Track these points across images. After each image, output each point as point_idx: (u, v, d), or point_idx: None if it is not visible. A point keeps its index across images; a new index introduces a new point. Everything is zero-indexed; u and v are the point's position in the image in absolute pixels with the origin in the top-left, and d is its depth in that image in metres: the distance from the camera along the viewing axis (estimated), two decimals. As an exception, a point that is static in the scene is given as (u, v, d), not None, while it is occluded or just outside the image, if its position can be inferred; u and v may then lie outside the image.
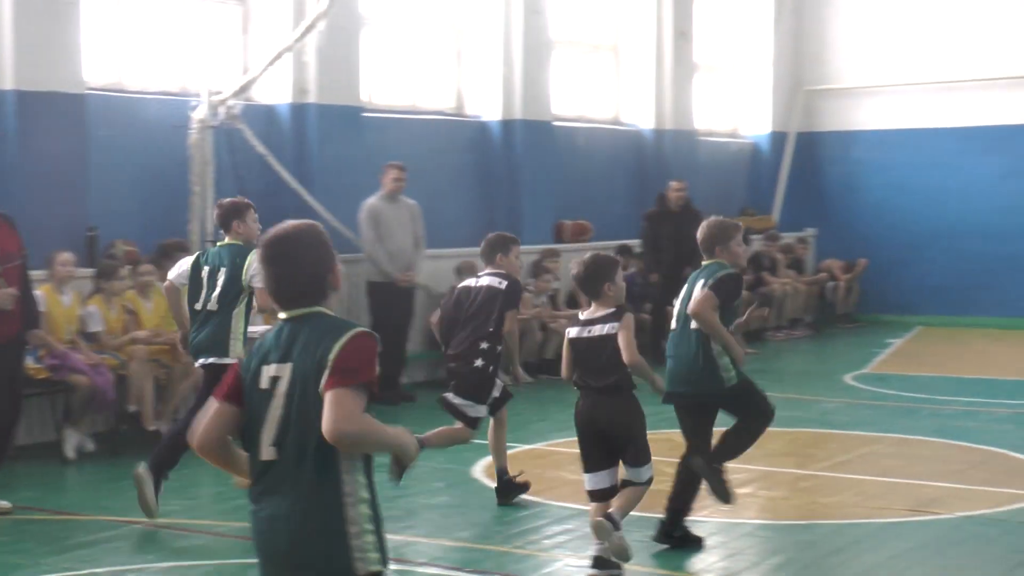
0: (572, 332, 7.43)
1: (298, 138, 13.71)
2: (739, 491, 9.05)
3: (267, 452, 4.15)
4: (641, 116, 18.26)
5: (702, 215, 10.83)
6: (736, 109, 20.80)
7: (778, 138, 20.79)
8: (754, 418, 7.79)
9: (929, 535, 8.25)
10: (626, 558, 7.12)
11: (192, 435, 4.25)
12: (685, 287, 7.88)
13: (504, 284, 8.82)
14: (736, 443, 7.87)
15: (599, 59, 18.10)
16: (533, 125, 16.11)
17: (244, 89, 12.70)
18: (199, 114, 12.41)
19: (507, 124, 15.95)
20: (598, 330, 7.32)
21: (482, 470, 9.89)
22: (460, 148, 15.78)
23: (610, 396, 7.27)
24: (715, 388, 7.64)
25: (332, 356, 4.07)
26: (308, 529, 4.10)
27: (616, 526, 7.10)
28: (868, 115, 20.65)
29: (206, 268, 8.76)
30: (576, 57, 17.65)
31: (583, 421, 7.41)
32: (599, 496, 7.34)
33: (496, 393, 8.93)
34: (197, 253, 9.17)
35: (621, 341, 7.22)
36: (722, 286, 7.65)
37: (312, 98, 13.67)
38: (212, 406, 4.24)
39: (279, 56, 12.58)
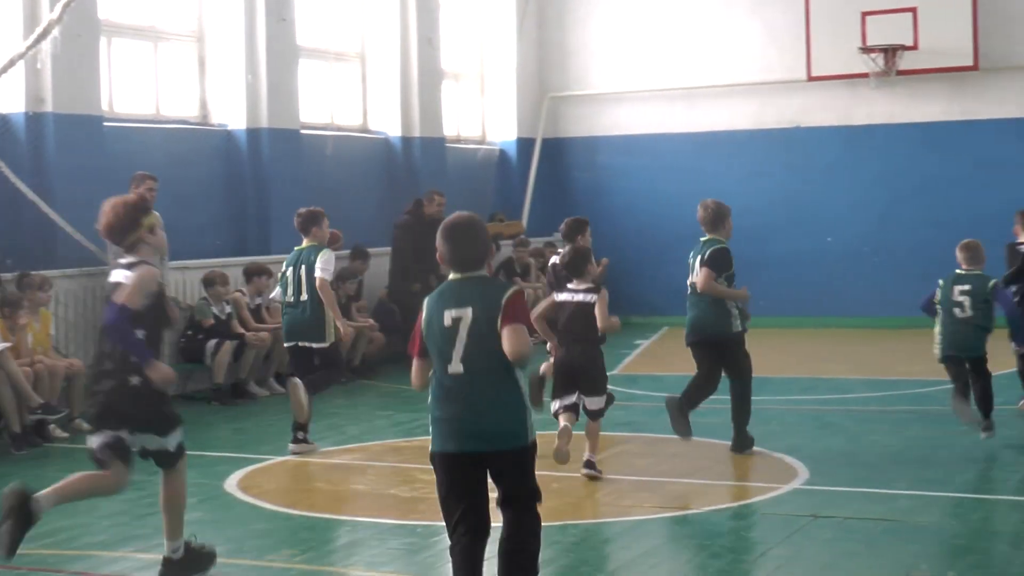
0: (562, 296, 9.71)
1: (35, 148, 13.24)
2: (492, 495, 9.14)
3: (455, 368, 5.90)
4: (389, 123, 18.28)
5: None
6: (484, 116, 21.03)
7: (525, 144, 21.10)
8: (739, 376, 10.40)
9: (680, 531, 8.48)
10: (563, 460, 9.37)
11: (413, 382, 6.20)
12: (690, 258, 10.54)
13: None
14: (738, 408, 10.39)
15: (346, 66, 18.04)
16: (280, 133, 15.95)
17: (-25, 98, 12.21)
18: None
19: (253, 132, 15.75)
20: (581, 297, 9.62)
21: (235, 484, 9.74)
22: (206, 157, 15.51)
23: (584, 345, 9.55)
24: (724, 332, 10.33)
25: (504, 302, 5.85)
26: (499, 414, 5.90)
27: (594, 467, 9.59)
28: (612, 121, 21.16)
29: (290, 269, 10.76)
30: (323, 64, 17.56)
31: (563, 363, 9.69)
32: (569, 408, 9.64)
33: None
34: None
35: (597, 311, 9.51)
36: (714, 260, 10.32)
37: (48, 107, 13.24)
38: (413, 367, 6.16)
39: (12, 64, 12.12)
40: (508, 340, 5.80)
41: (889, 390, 13.61)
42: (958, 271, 10.84)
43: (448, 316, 5.95)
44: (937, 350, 10.80)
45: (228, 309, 14.07)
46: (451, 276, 6.05)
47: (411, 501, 9.02)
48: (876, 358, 16.16)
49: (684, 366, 12.43)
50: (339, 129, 17.71)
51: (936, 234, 18.53)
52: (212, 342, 13.79)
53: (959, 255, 10.88)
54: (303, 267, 10.79)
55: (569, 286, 9.79)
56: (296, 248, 11.11)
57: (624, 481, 9.67)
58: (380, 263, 16.74)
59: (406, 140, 18.28)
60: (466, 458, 5.94)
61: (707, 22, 20.46)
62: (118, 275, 7.05)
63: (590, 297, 9.63)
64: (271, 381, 14.40)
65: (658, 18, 20.76)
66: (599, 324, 9.55)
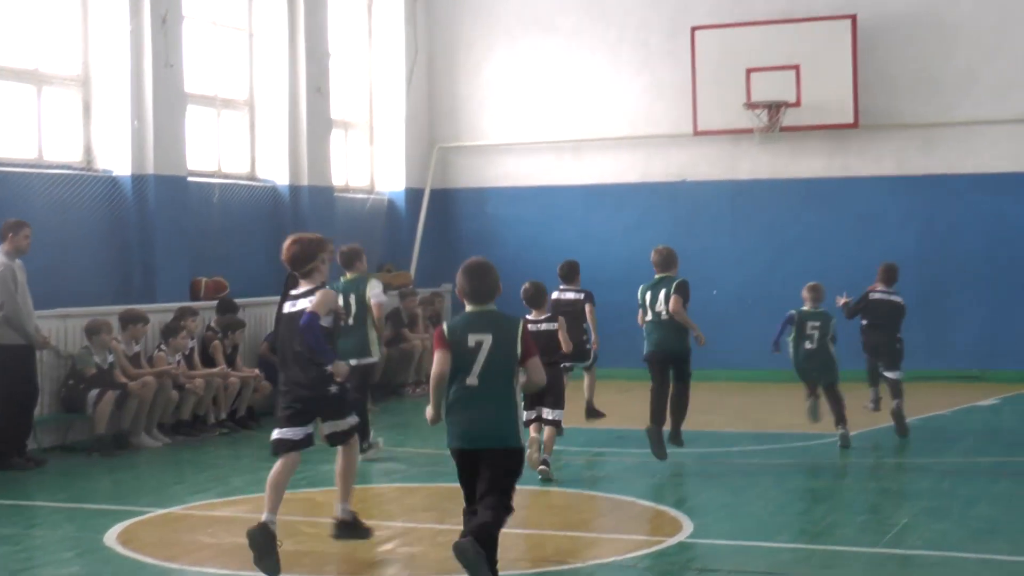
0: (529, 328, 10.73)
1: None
2: (379, 549, 9.11)
3: (472, 381, 7.42)
4: (277, 172, 18.19)
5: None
6: (373, 165, 21.03)
7: (414, 194, 21.12)
8: (685, 383, 12.34)
9: (562, 584, 8.49)
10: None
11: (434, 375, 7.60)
12: (650, 293, 12.50)
13: None
14: (681, 407, 12.31)
15: (234, 114, 17.95)
16: (166, 180, 15.81)
17: None
18: None
19: (139, 179, 15.58)
20: (544, 326, 11.62)
21: (115, 537, 9.57)
22: (90, 203, 15.27)
23: (549, 367, 9.67)
24: (681, 350, 12.37)
25: (519, 335, 7.44)
26: (501, 421, 7.45)
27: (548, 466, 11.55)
28: (500, 172, 21.28)
29: (340, 297, 11.61)
30: (210, 111, 17.45)
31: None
32: (533, 420, 11.56)
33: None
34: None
35: (561, 336, 11.57)
36: (682, 289, 12.46)
37: (-73, 152, 13.00)
38: (439, 356, 7.52)
39: None
40: (534, 371, 7.51)
41: (772, 443, 13.78)
42: (804, 309, 13.69)
43: (472, 339, 7.44)
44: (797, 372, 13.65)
45: (111, 358, 13.86)
46: (468, 308, 7.60)
47: (295, 555, 8.92)
48: (759, 410, 16.36)
49: (568, 417, 12.48)
50: (226, 177, 17.59)
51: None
52: (94, 392, 13.55)
53: (806, 295, 13.76)
54: (352, 296, 12.59)
55: (529, 317, 11.63)
56: (342, 279, 12.92)
57: (506, 535, 9.65)
58: (267, 313, 16.59)
59: (294, 188, 18.20)
60: (473, 454, 7.51)
61: (596, 76, 20.70)
62: (302, 303, 8.67)
63: (552, 325, 11.68)
64: (155, 431, 14.19)
65: (547, 71, 20.96)
66: (563, 348, 11.58)
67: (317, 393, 8.65)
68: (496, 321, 7.52)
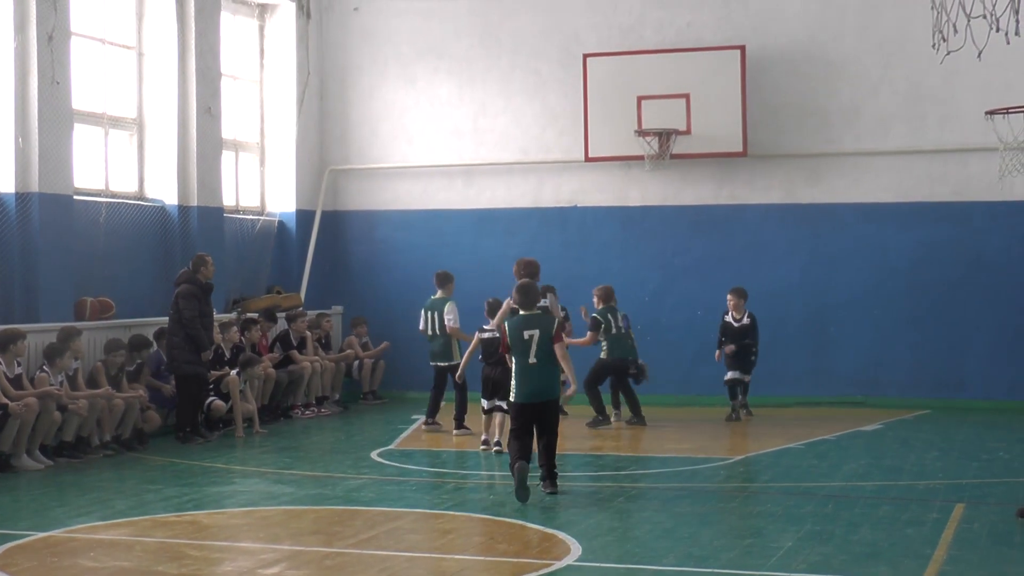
0: (485, 335, 14.66)
1: None
2: (265, 572, 9.00)
3: (532, 360, 11.77)
4: (166, 191, 17.96)
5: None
6: (263, 186, 20.86)
7: (304, 216, 20.99)
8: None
9: (452, 607, 8.45)
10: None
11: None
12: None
13: None
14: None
15: (122, 132, 17.71)
16: (51, 198, 15.53)
17: None
18: None
19: (23, 197, 15.29)
20: (489, 335, 14.54)
21: (-7, 562, 9.35)
22: (-29, 221, 14.98)
23: (502, 366, 13.81)
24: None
25: (553, 330, 11.89)
26: (552, 384, 11.94)
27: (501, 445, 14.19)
28: (391, 195, 21.23)
29: (430, 312, 16.46)
30: (98, 130, 17.20)
31: (487, 376, 14.55)
32: (492, 410, 14.68)
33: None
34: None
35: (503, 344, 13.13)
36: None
37: None
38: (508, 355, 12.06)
39: None
40: (559, 351, 11.89)
41: (659, 467, 13.87)
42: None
43: (526, 334, 11.86)
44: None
45: (-9, 379, 13.55)
46: (521, 312, 12.15)
47: (179, 579, 8.79)
48: (646, 436, 16.46)
49: (461, 442, 12.44)
50: (114, 196, 17.33)
51: (705, 314, 19.10)
52: (-27, 413, 13.24)
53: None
54: (435, 313, 16.40)
55: (485, 327, 14.82)
56: (432, 297, 16.61)
57: (397, 558, 9.62)
58: (148, 332, 16.37)
59: (183, 209, 17.99)
60: (535, 406, 11.83)
61: (487, 101, 20.74)
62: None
63: (495, 334, 14.40)
64: (37, 453, 13.90)
65: (440, 96, 20.97)
66: (503, 349, 13.18)
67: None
68: (539, 320, 12.08)
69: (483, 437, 14.89)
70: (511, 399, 12.03)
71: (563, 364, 12.02)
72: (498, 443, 14.54)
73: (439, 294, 16.60)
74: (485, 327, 14.85)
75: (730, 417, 17.27)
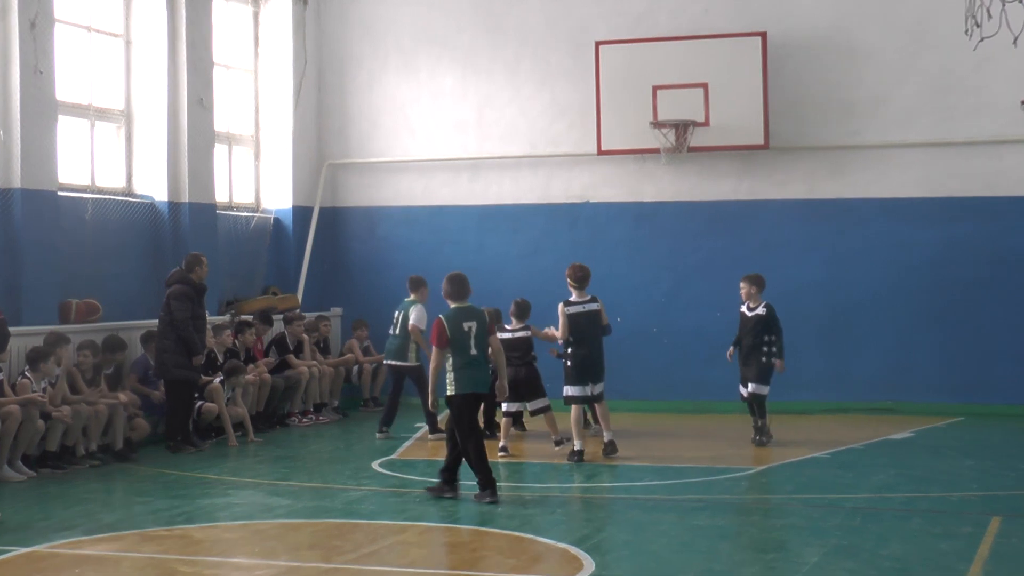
0: (505, 336, 15.13)
1: None
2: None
3: (473, 352, 12.19)
4: (155, 187, 17.87)
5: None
6: (258, 182, 20.78)
7: (301, 213, 20.90)
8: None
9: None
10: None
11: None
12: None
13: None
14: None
15: (109, 125, 17.62)
16: (34, 195, 15.44)
17: None
18: None
19: (4, 193, 15.22)
20: (520, 334, 15.63)
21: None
22: (-49, 219, 14.90)
23: (527, 365, 15.51)
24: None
25: (488, 321, 12.37)
26: (488, 379, 12.67)
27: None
28: (393, 191, 21.14)
29: (399, 312, 16.86)
30: (84, 122, 17.11)
31: (512, 380, 14.72)
32: (513, 414, 15.71)
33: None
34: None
35: (550, 331, 15.24)
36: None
37: None
38: (436, 351, 12.21)
39: None
40: (495, 343, 12.50)
41: (675, 478, 13.76)
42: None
43: (466, 325, 12.22)
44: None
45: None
46: (455, 305, 12.41)
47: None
48: (663, 444, 16.35)
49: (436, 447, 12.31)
50: (100, 192, 17.25)
51: (720, 315, 18.98)
52: (-48, 421, 13.14)
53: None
54: (403, 313, 16.80)
55: (508, 327, 15.71)
56: (405, 300, 16.97)
57: (401, 574, 9.52)
58: (135, 336, 16.29)
59: (173, 205, 17.90)
60: (479, 397, 12.42)
61: (493, 92, 20.65)
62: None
63: (525, 333, 15.68)
64: (19, 464, 13.81)
65: (443, 88, 20.88)
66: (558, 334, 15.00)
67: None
68: (475, 313, 12.41)
69: (501, 443, 15.23)
70: (451, 393, 12.23)
71: (496, 359, 12.66)
72: (502, 449, 14.99)
73: (411, 297, 16.89)
74: (507, 326, 15.63)
75: (753, 439, 15.99)
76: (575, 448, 14.63)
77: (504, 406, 15.31)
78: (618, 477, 13.89)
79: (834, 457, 14.95)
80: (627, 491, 13.06)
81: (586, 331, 14.90)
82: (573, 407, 14.86)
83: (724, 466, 14.27)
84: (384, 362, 17.59)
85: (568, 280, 15.14)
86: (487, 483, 12.18)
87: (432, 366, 12.37)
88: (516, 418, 16.19)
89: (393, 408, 16.94)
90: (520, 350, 15.47)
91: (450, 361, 12.26)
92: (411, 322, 16.60)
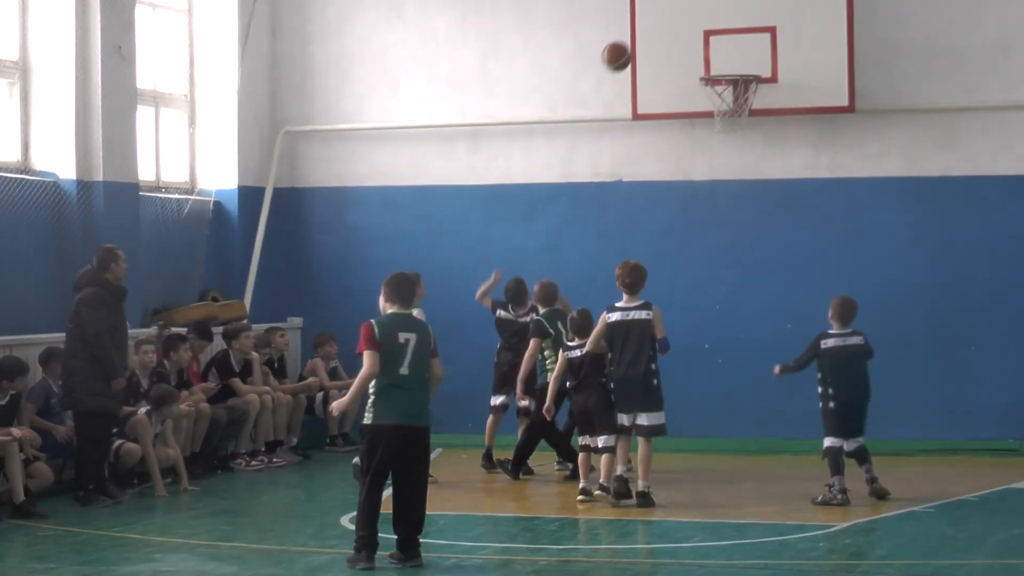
0: (573, 354, 15.70)
1: None
2: None
3: (404, 370, 12.22)
4: (60, 162, 17.93)
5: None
6: (194, 155, 20.81)
7: (250, 195, 20.92)
8: None
9: None
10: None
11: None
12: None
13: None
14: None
15: (1, 82, 17.70)
16: (-95, 171, 15.52)
17: None
18: None
19: None
20: (579, 351, 15.71)
21: None
22: None
23: (597, 392, 15.61)
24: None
25: (432, 339, 12.50)
26: (425, 400, 12.44)
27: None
28: (368, 167, 21.17)
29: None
30: (-32, 78, 17.23)
31: (581, 408, 15.77)
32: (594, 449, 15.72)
33: None
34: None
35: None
36: None
37: None
38: (369, 355, 12.27)
39: None
40: (436, 368, 12.59)
41: (734, 537, 13.81)
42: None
43: (401, 336, 12.29)
44: None
45: None
46: (393, 310, 12.53)
47: None
48: (717, 494, 16.39)
49: (465, 503, 12.35)
50: (-10, 168, 17.36)
51: (796, 326, 18.98)
52: None
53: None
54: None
55: (571, 343, 15.86)
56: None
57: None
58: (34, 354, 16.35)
59: (84, 184, 17.95)
60: (403, 431, 12.24)
61: (500, 37, 20.67)
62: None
63: (582, 351, 15.65)
64: None
65: (436, 30, 20.90)
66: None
67: None
68: (416, 323, 12.68)
69: (581, 485, 15.63)
70: (366, 421, 12.34)
71: (434, 386, 12.71)
72: (603, 487, 15.39)
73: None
74: (569, 343, 15.98)
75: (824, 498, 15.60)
76: (582, 486, 15.58)
77: (580, 439, 15.92)
78: (659, 536, 13.93)
79: (941, 511, 14.96)
80: (673, 554, 13.10)
81: (626, 343, 15.33)
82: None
83: (798, 522, 14.29)
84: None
85: (618, 283, 15.78)
86: (362, 546, 12.18)
87: (361, 374, 12.34)
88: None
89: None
90: (590, 369, 15.66)
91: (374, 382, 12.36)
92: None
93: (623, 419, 15.35)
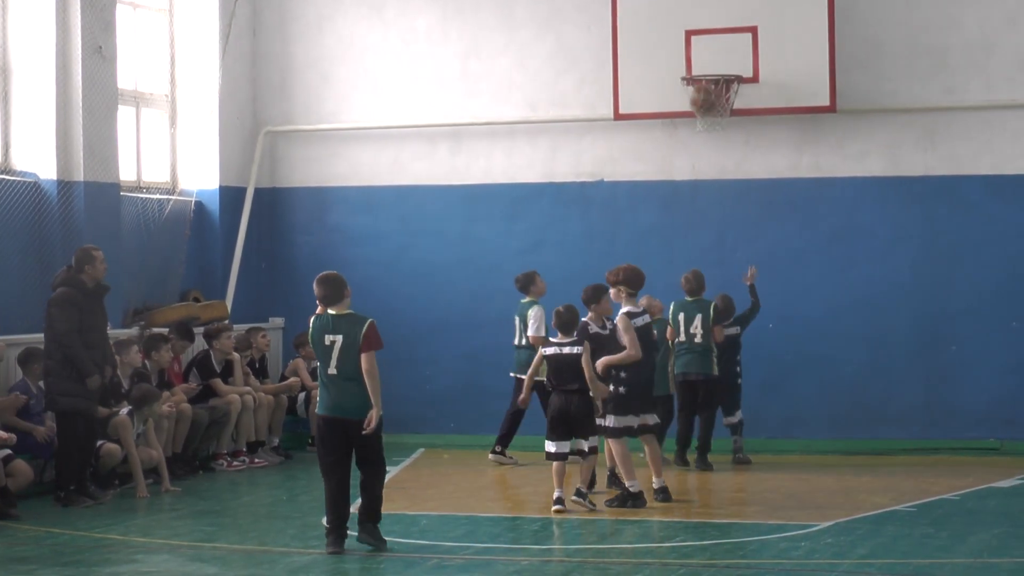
0: (550, 350, 15.26)
1: None
2: None
3: (332, 371, 12.96)
4: (40, 162, 17.91)
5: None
6: (175, 155, 20.80)
7: (231, 195, 20.93)
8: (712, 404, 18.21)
9: None
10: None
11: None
12: (677, 316, 18.21)
13: None
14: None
15: (-19, 81, 17.73)
16: None
17: None
18: None
19: None
20: (570, 350, 15.13)
21: None
22: None
23: (580, 394, 15.11)
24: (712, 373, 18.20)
25: (363, 334, 12.90)
26: (357, 401, 12.96)
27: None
28: (350, 167, 21.18)
29: (517, 318, 18.69)
30: (-52, 78, 17.22)
31: (559, 409, 15.14)
32: (566, 454, 15.26)
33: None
34: None
35: (583, 360, 15.00)
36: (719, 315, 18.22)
37: None
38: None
39: None
40: (366, 361, 12.87)
41: (716, 537, 13.83)
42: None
43: (328, 338, 12.92)
44: None
45: None
46: (322, 310, 13.05)
47: None
48: (697, 494, 16.41)
49: (448, 502, 12.36)
50: (-31, 168, 17.35)
51: (776, 326, 19.05)
52: None
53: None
54: (517, 319, 18.63)
55: (552, 340, 15.54)
56: (520, 301, 18.58)
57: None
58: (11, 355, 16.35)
59: (64, 185, 17.94)
60: (342, 423, 13.00)
61: (481, 36, 20.69)
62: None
63: (578, 349, 15.12)
64: None
65: (416, 29, 20.92)
66: (586, 373, 15.01)
67: None
68: (346, 323, 13.01)
69: (556, 494, 15.13)
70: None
71: (368, 381, 13.02)
72: (580, 494, 15.18)
73: (526, 298, 18.63)
74: (552, 339, 15.69)
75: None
76: (637, 489, 15.30)
77: (550, 446, 15.17)
78: (641, 536, 13.95)
79: (922, 511, 15.01)
80: (653, 554, 13.13)
81: (647, 349, 15.61)
82: (615, 443, 15.42)
83: (779, 522, 14.33)
84: (511, 374, 18.74)
85: (620, 288, 15.71)
86: (326, 532, 13.17)
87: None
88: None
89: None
90: (573, 371, 15.12)
91: None
92: (530, 332, 18.26)
93: (631, 420, 15.32)
